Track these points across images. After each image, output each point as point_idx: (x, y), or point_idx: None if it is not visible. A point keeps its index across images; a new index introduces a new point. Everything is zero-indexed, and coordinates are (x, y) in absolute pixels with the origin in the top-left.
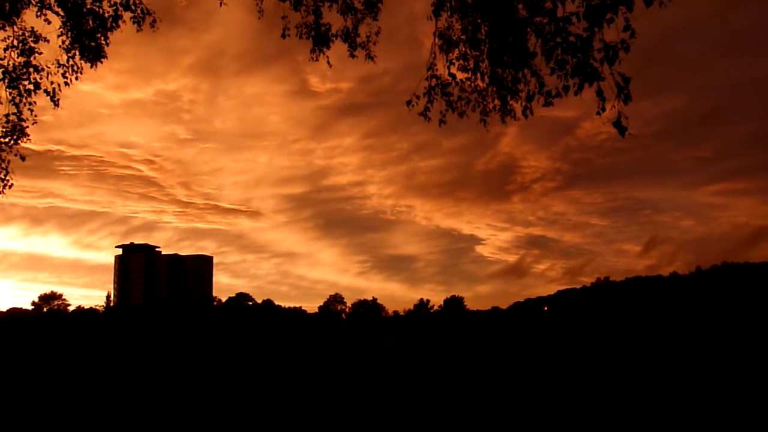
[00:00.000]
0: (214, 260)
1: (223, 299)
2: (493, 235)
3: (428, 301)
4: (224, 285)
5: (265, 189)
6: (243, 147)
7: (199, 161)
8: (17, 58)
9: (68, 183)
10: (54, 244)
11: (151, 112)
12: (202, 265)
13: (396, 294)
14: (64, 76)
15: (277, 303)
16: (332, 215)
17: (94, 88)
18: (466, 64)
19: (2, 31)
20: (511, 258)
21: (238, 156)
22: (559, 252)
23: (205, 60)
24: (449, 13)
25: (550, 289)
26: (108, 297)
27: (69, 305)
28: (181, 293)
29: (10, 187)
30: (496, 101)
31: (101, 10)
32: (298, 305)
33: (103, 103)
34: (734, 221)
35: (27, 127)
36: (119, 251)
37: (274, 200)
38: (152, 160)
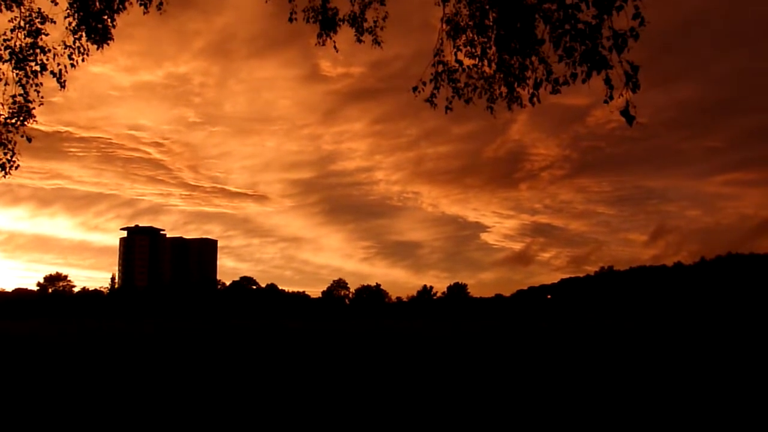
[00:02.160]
0: (220, 244)
1: (228, 283)
2: (498, 223)
3: (431, 287)
4: (229, 269)
5: (272, 173)
6: (252, 131)
7: (208, 145)
8: (24, 39)
9: (76, 165)
10: (61, 225)
11: (161, 95)
12: (207, 248)
13: (400, 280)
14: (70, 57)
15: (281, 287)
16: (339, 201)
17: (105, 70)
18: (473, 50)
19: (9, 11)
20: (517, 246)
21: (247, 140)
22: (565, 240)
23: (217, 43)
24: None
25: (555, 278)
26: (112, 279)
27: (74, 287)
28: (185, 276)
29: (16, 168)
30: (503, 88)
31: None
32: (301, 290)
33: (113, 85)
34: (742, 212)
35: (34, 108)
36: (124, 233)
37: (282, 185)
38: (161, 143)
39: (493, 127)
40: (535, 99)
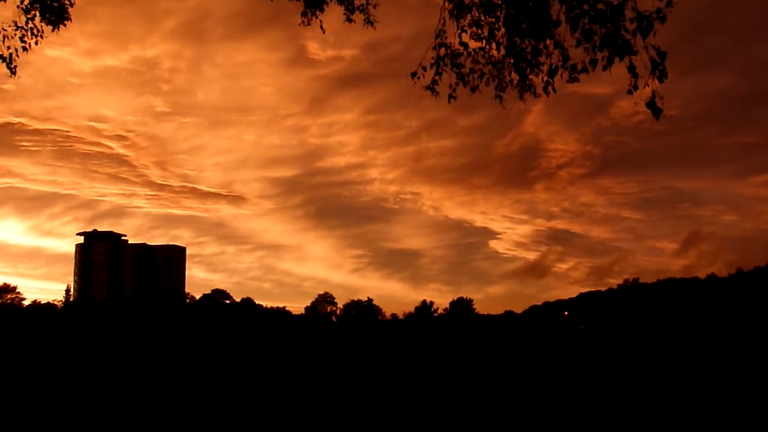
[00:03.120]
0: (189, 251)
1: (197, 296)
2: (510, 229)
3: (432, 303)
4: (199, 280)
5: (250, 171)
6: (228, 122)
7: (178, 138)
8: None
9: (29, 161)
10: (10, 230)
11: (126, 82)
12: (174, 256)
13: (395, 294)
14: (22, 39)
15: (257, 302)
16: (326, 202)
17: (62, 54)
18: (479, 31)
19: None
20: (530, 255)
21: (222, 133)
22: (585, 249)
23: (189, 23)
24: None
25: (573, 292)
26: (67, 291)
27: (24, 299)
28: (150, 288)
29: None
30: (514, 75)
31: None
32: (281, 305)
33: (72, 71)
34: None
35: None
36: (81, 239)
37: (261, 184)
38: (124, 136)
39: (504, 119)
40: (550, 88)
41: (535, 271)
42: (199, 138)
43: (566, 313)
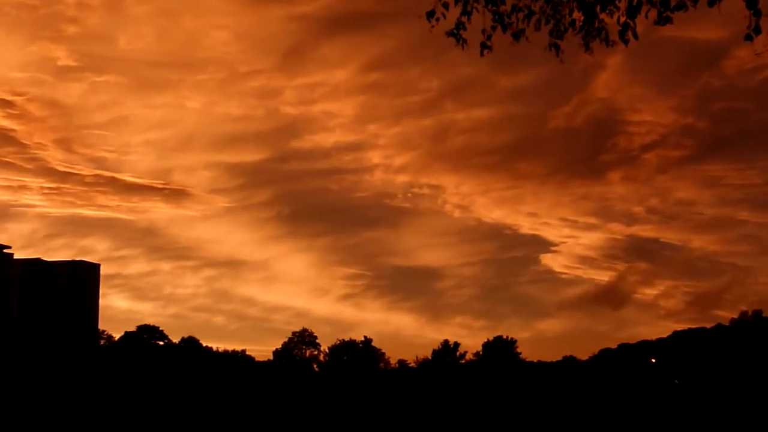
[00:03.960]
0: (105, 270)
1: (116, 335)
2: (571, 237)
3: (457, 344)
4: (120, 312)
5: (196, 154)
6: (164, 83)
7: (90, 105)
8: None
9: None
10: None
11: (12, 21)
12: (83, 277)
13: (404, 332)
14: None
15: (204, 344)
16: (306, 199)
17: None
18: None
19: None
20: (602, 276)
21: (154, 98)
22: (683, 267)
23: None
24: None
25: (664, 330)
26: None
27: None
28: (46, 323)
29: None
30: (577, 14)
31: None
32: (240, 348)
33: None
34: None
35: None
36: None
37: (211, 172)
38: (10, 102)
39: (563, 79)
40: (629, 33)
41: (609, 298)
42: (122, 105)
43: (653, 360)
